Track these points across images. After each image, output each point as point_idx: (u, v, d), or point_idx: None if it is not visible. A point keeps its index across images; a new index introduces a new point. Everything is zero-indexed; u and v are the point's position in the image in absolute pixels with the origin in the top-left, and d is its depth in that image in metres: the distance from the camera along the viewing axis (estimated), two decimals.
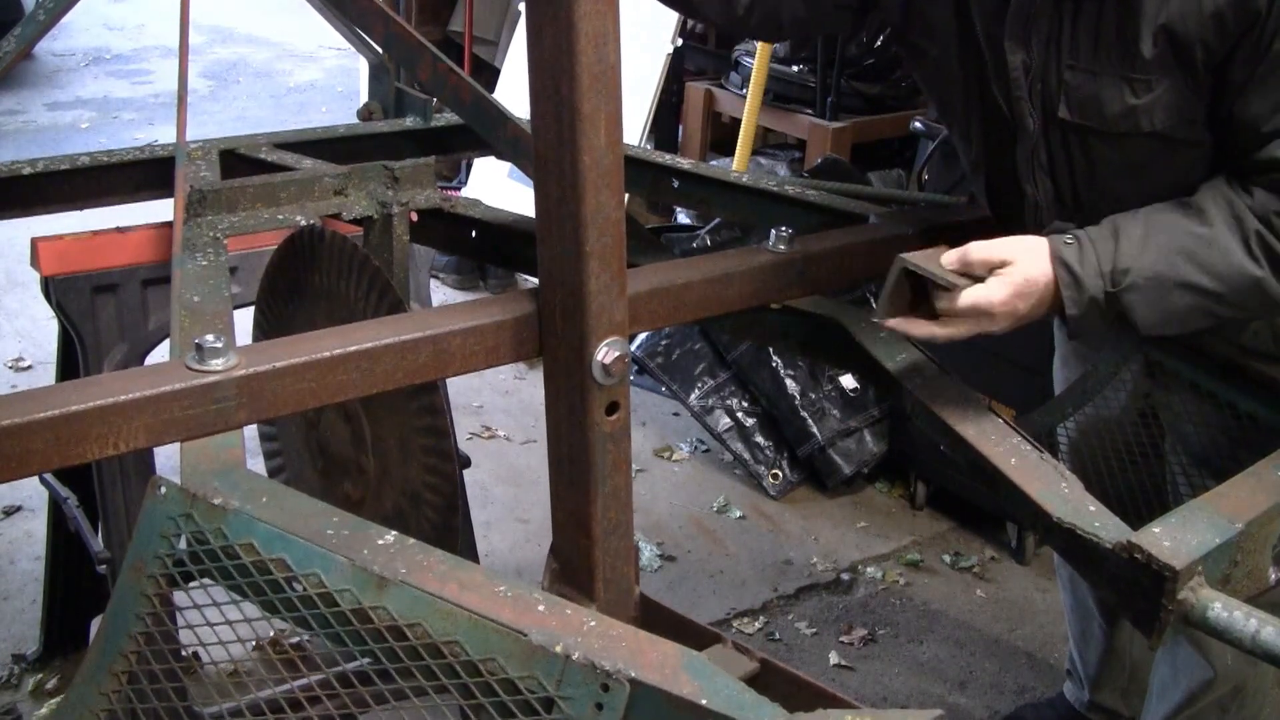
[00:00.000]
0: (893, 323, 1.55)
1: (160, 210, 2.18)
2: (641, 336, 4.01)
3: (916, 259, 1.53)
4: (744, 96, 4.46)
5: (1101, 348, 2.18)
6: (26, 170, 2.29)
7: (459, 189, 5.20)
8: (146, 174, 2.38)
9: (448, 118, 2.69)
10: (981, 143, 1.78)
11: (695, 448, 4.02)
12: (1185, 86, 1.52)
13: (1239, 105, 1.51)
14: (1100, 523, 1.42)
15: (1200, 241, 1.50)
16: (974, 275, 1.52)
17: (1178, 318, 1.53)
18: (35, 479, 2.42)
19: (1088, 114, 1.59)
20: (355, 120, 2.93)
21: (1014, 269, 1.51)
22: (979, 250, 1.51)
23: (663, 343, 4.03)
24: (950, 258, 1.53)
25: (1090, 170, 1.64)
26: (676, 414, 4.17)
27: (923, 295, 1.56)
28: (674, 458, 3.96)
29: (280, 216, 1.98)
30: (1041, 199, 1.72)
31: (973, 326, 1.52)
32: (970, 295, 1.50)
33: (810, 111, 4.48)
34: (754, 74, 4.34)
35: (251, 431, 1.57)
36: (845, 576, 3.38)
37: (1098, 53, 1.54)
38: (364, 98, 3.13)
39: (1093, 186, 1.66)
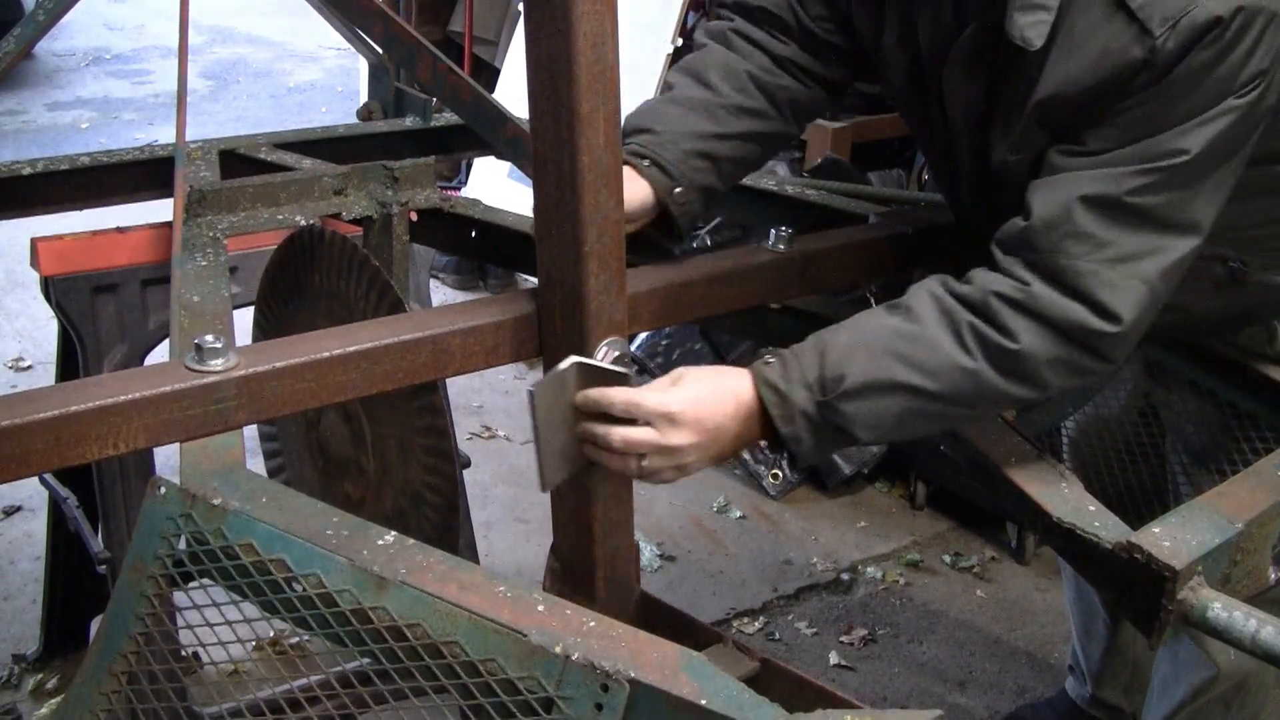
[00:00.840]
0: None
1: (160, 210, 2.18)
2: (641, 336, 4.00)
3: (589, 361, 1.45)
4: None
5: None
6: (26, 170, 2.29)
7: (459, 189, 5.20)
8: (146, 174, 2.38)
9: (448, 118, 2.69)
10: (934, 176, 1.83)
11: None
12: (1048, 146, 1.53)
13: (1052, 152, 1.50)
14: (1100, 523, 1.42)
15: (909, 340, 1.45)
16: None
17: (895, 422, 1.47)
18: (35, 479, 2.42)
19: (980, 159, 1.62)
20: (355, 120, 2.94)
21: (688, 380, 1.46)
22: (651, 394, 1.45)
23: (663, 343, 4.03)
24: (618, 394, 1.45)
25: (1001, 215, 1.65)
26: None
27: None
28: None
29: (280, 216, 1.98)
30: (983, 233, 1.73)
31: (657, 436, 1.42)
32: (642, 390, 1.44)
33: None
34: None
35: (251, 431, 1.57)
36: (845, 576, 3.38)
37: (995, 109, 1.56)
38: (364, 98, 3.13)
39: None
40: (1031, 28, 1.43)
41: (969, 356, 1.44)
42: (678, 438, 1.43)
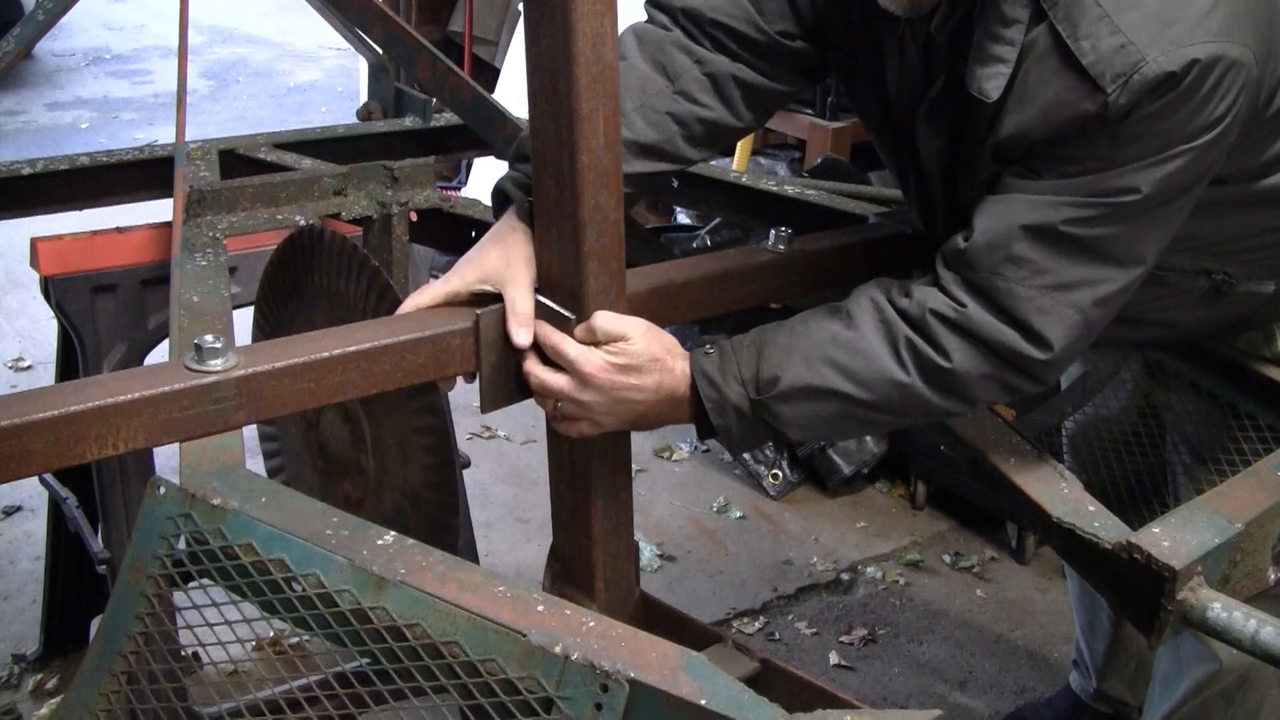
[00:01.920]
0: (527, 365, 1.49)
1: (160, 210, 2.18)
2: None
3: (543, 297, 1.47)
4: None
5: (1098, 348, 2.18)
6: (26, 170, 2.29)
7: (459, 189, 5.20)
8: (146, 174, 2.38)
9: (447, 118, 2.70)
10: (910, 204, 1.80)
11: (695, 448, 4.02)
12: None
13: (1005, 176, 1.50)
14: (1100, 523, 1.42)
15: (845, 348, 1.47)
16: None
17: (827, 425, 1.50)
18: (35, 479, 2.42)
19: (951, 201, 1.62)
20: (355, 120, 2.94)
21: (627, 346, 1.45)
22: (605, 318, 1.45)
23: None
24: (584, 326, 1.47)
25: None
26: None
27: None
28: (674, 458, 3.96)
29: (280, 216, 1.98)
30: None
31: (571, 389, 1.45)
32: (570, 341, 1.44)
33: (810, 111, 4.48)
34: None
35: (251, 431, 1.57)
36: (845, 576, 3.38)
37: (963, 153, 1.56)
38: (364, 98, 3.13)
39: None
40: (989, 79, 1.44)
41: (903, 370, 1.46)
42: (587, 396, 1.45)
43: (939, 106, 1.56)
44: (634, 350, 1.46)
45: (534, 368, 1.47)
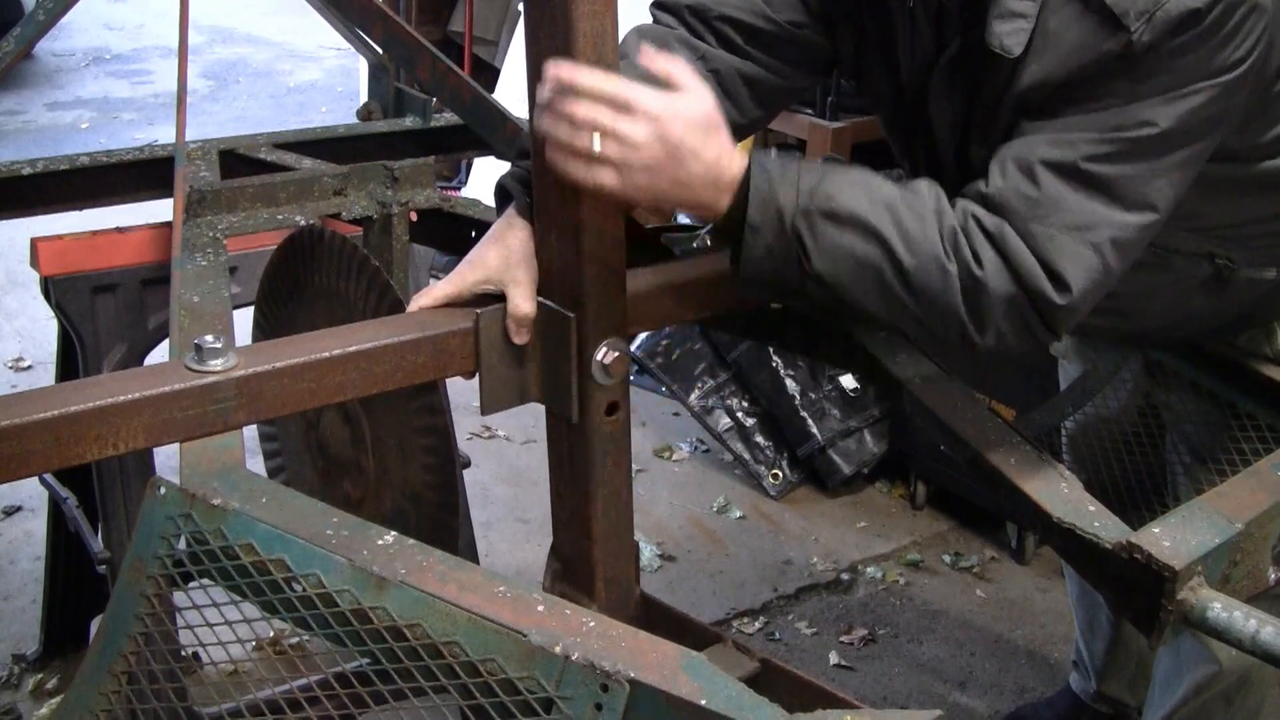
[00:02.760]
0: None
1: (160, 210, 2.18)
2: (641, 336, 4.01)
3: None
4: None
5: (1098, 347, 2.18)
6: (26, 170, 2.29)
7: (459, 189, 5.20)
8: (146, 174, 2.39)
9: (447, 118, 2.70)
10: None
11: (695, 448, 4.02)
12: None
13: (1024, 121, 1.49)
14: (1100, 522, 1.42)
15: (909, 208, 1.42)
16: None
17: (855, 270, 1.41)
18: (35, 479, 2.42)
19: (965, 170, 1.60)
20: (355, 120, 2.94)
21: (695, 106, 1.35)
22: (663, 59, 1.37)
23: (663, 343, 4.03)
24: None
25: None
26: (676, 414, 4.17)
27: None
28: (674, 458, 3.96)
29: (280, 216, 1.98)
30: None
31: (626, 121, 1.31)
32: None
33: (810, 111, 4.47)
34: None
35: (251, 431, 1.57)
36: (845, 576, 3.38)
37: (978, 116, 1.55)
38: (364, 98, 3.13)
39: None
40: (1011, 36, 1.43)
41: (947, 256, 1.41)
42: (641, 134, 1.33)
43: (953, 71, 1.55)
44: (704, 117, 1.35)
45: (579, 104, 1.31)
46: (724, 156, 1.39)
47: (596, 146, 1.32)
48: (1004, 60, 1.45)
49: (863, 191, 1.42)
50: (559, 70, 1.32)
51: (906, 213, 1.41)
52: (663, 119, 1.33)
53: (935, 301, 1.42)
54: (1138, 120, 1.40)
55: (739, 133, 1.75)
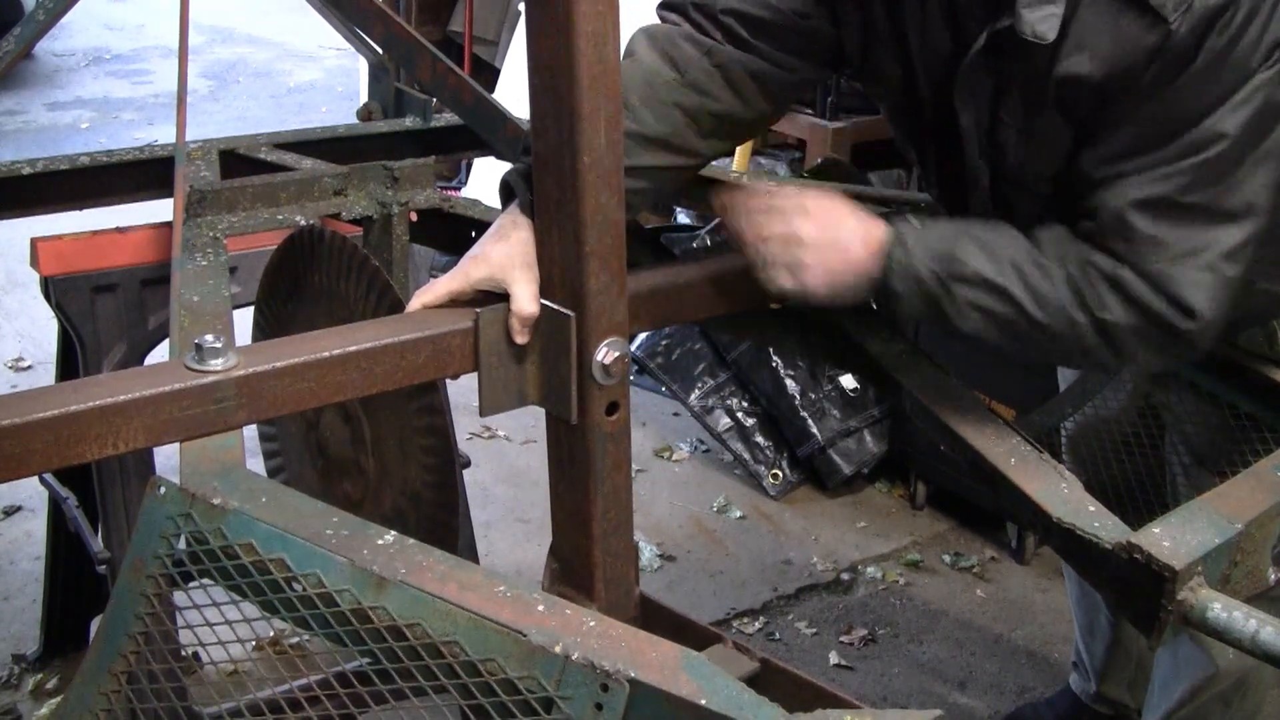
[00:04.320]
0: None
1: (160, 210, 2.18)
2: (641, 336, 4.01)
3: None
4: None
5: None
6: (26, 170, 2.29)
7: (459, 189, 5.20)
8: (146, 174, 2.38)
9: (448, 118, 2.69)
10: (939, 188, 1.79)
11: (695, 448, 4.02)
12: (1070, 140, 1.54)
13: (1085, 150, 1.51)
14: (1100, 523, 1.42)
15: (1035, 265, 1.50)
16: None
17: (994, 326, 1.52)
18: (35, 479, 2.42)
19: (996, 161, 1.61)
20: (355, 120, 2.94)
21: (827, 192, 1.61)
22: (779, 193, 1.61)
23: (663, 343, 4.03)
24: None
25: (1009, 216, 1.64)
26: (676, 414, 4.17)
27: None
28: (674, 458, 3.96)
29: (280, 216, 1.98)
30: None
31: (782, 225, 1.56)
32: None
33: (810, 111, 4.47)
34: None
35: (251, 431, 1.57)
36: (845, 576, 3.38)
37: (1010, 106, 1.56)
38: (364, 98, 3.14)
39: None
40: (1043, 22, 1.43)
41: (1074, 306, 1.49)
42: (803, 227, 1.54)
43: (978, 66, 1.54)
44: (836, 196, 1.59)
45: (749, 218, 1.59)
46: (870, 225, 1.56)
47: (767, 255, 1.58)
48: (1037, 48, 1.45)
49: (990, 253, 1.51)
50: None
51: (1032, 270, 1.50)
52: (803, 206, 1.56)
53: (1073, 345, 1.52)
54: (1209, 136, 1.41)
55: (745, 129, 1.76)
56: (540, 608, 1.12)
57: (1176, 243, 1.44)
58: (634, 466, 2.98)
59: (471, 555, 2.54)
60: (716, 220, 3.93)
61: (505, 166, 1.63)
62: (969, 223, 1.56)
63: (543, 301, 1.46)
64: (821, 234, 1.54)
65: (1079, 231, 1.52)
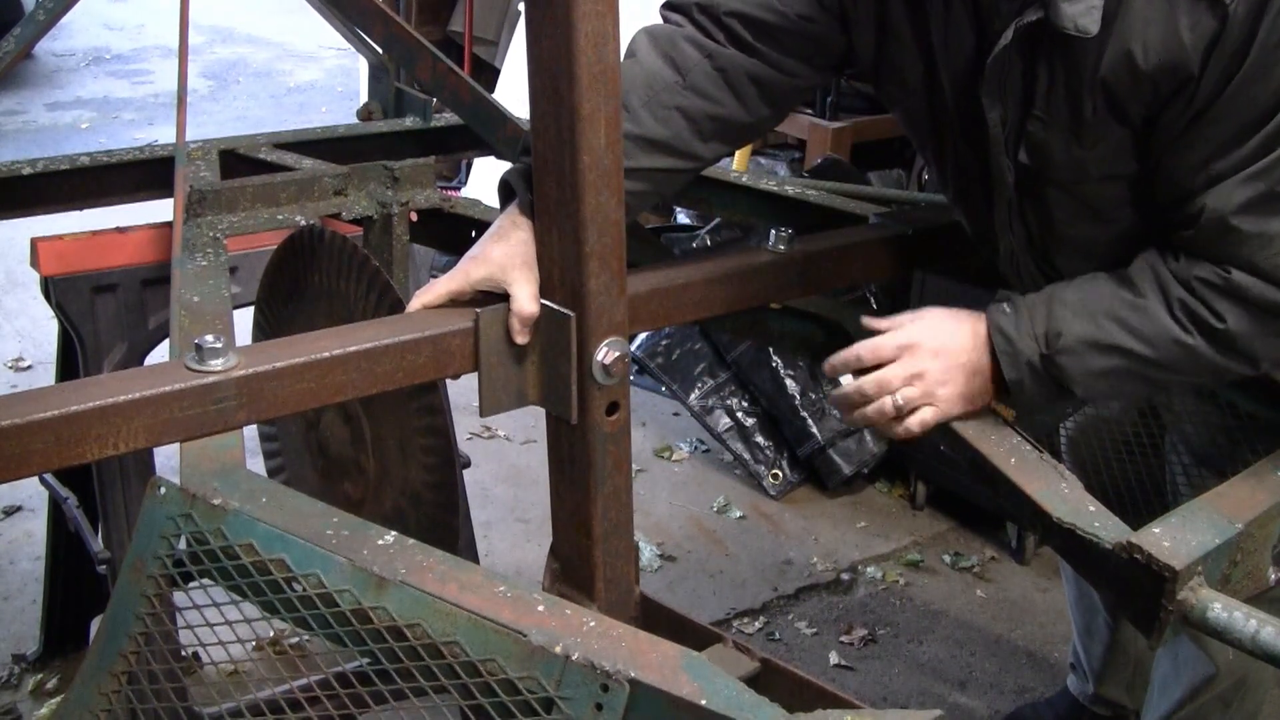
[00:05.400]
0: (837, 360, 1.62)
1: (160, 210, 2.18)
2: (641, 336, 4.01)
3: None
4: None
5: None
6: (26, 170, 2.29)
7: (459, 189, 5.20)
8: (146, 174, 2.38)
9: (448, 118, 2.69)
10: (957, 190, 1.77)
11: (695, 448, 4.02)
12: (1127, 138, 1.52)
13: (1166, 159, 1.50)
14: (1100, 523, 1.42)
15: (1130, 308, 1.51)
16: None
17: (1113, 382, 1.54)
18: (35, 479, 2.42)
19: (1038, 160, 1.59)
20: (355, 120, 2.94)
21: (924, 315, 1.59)
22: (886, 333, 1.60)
23: (663, 343, 4.03)
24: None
25: (1048, 217, 1.64)
26: (676, 414, 4.17)
27: None
28: (674, 458, 3.96)
29: (280, 216, 1.98)
30: (1016, 246, 1.72)
31: (903, 367, 1.56)
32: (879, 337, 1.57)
33: (810, 111, 4.48)
34: None
35: (251, 431, 1.57)
36: (845, 576, 3.38)
37: (1050, 103, 1.53)
38: (364, 98, 3.13)
39: (1051, 233, 1.66)
40: (1084, 15, 1.41)
41: (1183, 331, 1.50)
42: (924, 363, 1.55)
43: (1007, 61, 1.52)
44: (934, 313, 1.59)
45: (864, 380, 1.56)
46: (976, 329, 1.57)
47: (900, 400, 1.56)
48: (1080, 42, 1.44)
49: (1085, 314, 1.53)
50: (834, 361, 1.59)
51: (1131, 314, 1.52)
52: (913, 344, 1.56)
53: (1202, 368, 1.53)
54: None
55: (746, 132, 1.75)
56: (540, 608, 1.12)
57: None
58: (634, 466, 2.98)
59: (471, 555, 2.54)
60: (717, 220, 3.95)
61: (505, 166, 1.63)
62: (1056, 287, 1.58)
63: (543, 301, 1.46)
64: (940, 357, 1.56)
65: (1173, 246, 1.52)
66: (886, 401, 1.56)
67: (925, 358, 1.55)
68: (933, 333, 1.57)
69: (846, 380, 1.60)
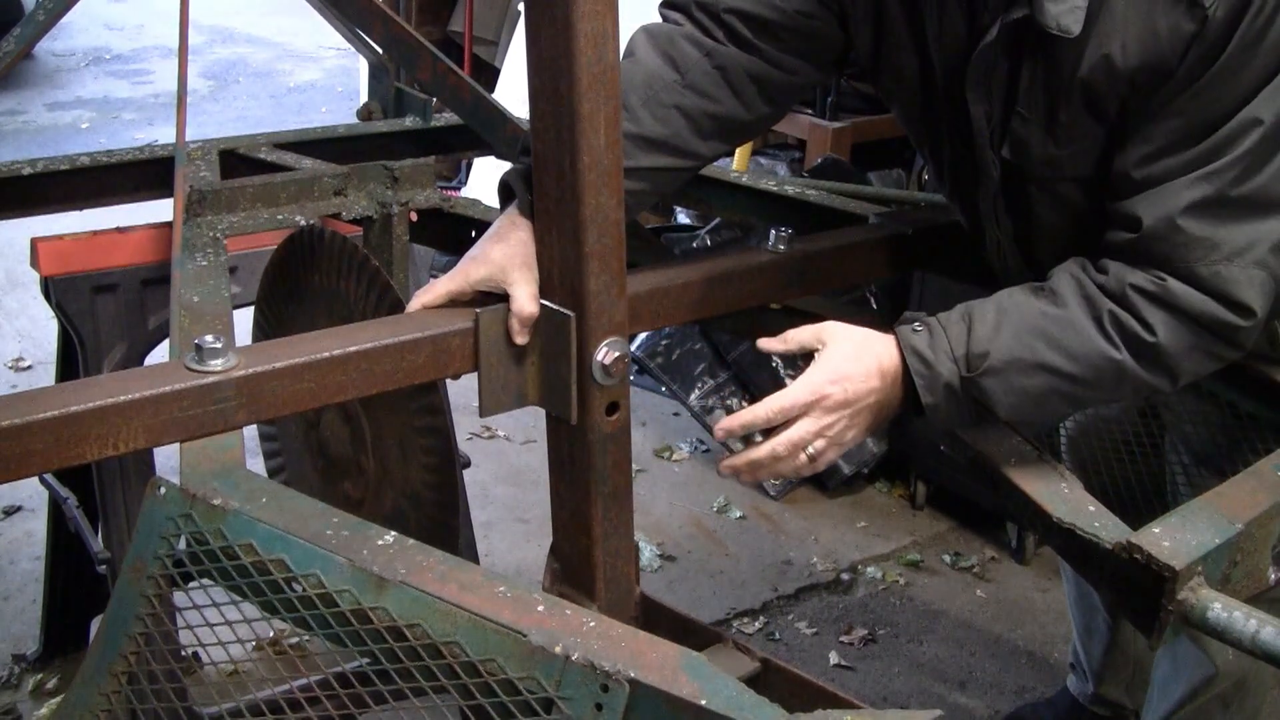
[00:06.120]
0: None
1: (160, 210, 2.18)
2: (641, 336, 4.01)
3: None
4: None
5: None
6: (26, 170, 2.29)
7: (459, 189, 5.20)
8: (146, 174, 2.38)
9: (448, 118, 2.69)
10: (950, 183, 1.77)
11: (695, 448, 4.02)
12: (1101, 141, 1.52)
13: (1122, 152, 1.49)
14: (1100, 523, 1.42)
15: (1054, 323, 1.47)
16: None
17: (1036, 402, 1.50)
18: (35, 479, 2.42)
19: (1020, 156, 1.58)
20: (355, 120, 2.94)
21: (829, 352, 1.51)
22: (799, 331, 1.55)
23: (663, 343, 4.03)
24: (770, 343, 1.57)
25: (1030, 212, 1.64)
26: (676, 414, 4.17)
27: None
28: (674, 458, 3.96)
29: (280, 216, 1.98)
30: (1003, 239, 1.72)
31: (812, 424, 1.50)
32: (783, 392, 1.50)
33: (810, 111, 4.48)
34: None
35: (251, 431, 1.57)
36: (845, 576, 3.38)
37: (1031, 101, 1.54)
38: (364, 98, 3.13)
39: (1034, 227, 1.66)
40: (1068, 15, 1.41)
41: (1112, 346, 1.46)
42: (833, 414, 1.49)
43: (992, 56, 1.52)
44: (840, 345, 1.50)
45: (774, 442, 1.49)
46: (883, 361, 1.50)
47: (812, 452, 1.50)
48: (1061, 41, 1.44)
49: (1008, 332, 1.48)
50: (728, 425, 1.50)
51: (1056, 330, 1.47)
52: (823, 396, 1.48)
53: (1119, 386, 1.49)
54: (1246, 123, 1.40)
55: (745, 131, 1.75)
56: (540, 608, 1.12)
57: (1228, 241, 1.43)
58: (634, 466, 2.98)
59: (471, 555, 2.54)
60: (717, 220, 3.95)
61: (505, 166, 1.63)
62: (977, 304, 1.52)
63: (542, 302, 1.46)
64: (849, 409, 1.49)
65: (1109, 249, 1.50)
66: (801, 459, 1.51)
67: (834, 408, 1.49)
68: (837, 372, 1.49)
69: (739, 446, 1.53)
